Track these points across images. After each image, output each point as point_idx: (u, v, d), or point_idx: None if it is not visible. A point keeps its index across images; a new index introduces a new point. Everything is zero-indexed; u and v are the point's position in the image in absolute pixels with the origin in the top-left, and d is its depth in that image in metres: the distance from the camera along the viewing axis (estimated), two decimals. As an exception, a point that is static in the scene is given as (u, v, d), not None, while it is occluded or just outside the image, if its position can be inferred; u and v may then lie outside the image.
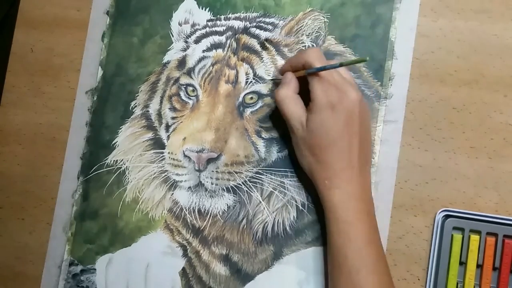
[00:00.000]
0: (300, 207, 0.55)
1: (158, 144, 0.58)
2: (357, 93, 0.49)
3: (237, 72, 0.57)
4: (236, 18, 0.59)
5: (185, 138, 0.57)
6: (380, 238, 0.49)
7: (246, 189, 0.56)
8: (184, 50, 0.59)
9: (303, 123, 0.50)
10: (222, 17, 0.59)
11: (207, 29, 0.59)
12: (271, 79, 0.57)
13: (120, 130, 0.59)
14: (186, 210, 0.57)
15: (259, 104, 0.56)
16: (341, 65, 0.48)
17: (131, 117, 0.59)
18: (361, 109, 0.49)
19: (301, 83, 0.51)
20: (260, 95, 0.56)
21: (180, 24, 0.60)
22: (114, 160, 0.59)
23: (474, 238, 0.52)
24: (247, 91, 0.57)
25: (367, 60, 0.46)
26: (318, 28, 0.57)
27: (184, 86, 0.58)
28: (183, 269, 0.56)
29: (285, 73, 0.53)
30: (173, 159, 0.57)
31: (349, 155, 0.49)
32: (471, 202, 0.53)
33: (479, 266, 0.52)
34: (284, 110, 0.51)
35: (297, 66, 0.52)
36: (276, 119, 0.56)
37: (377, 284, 0.46)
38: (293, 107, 0.51)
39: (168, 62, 0.59)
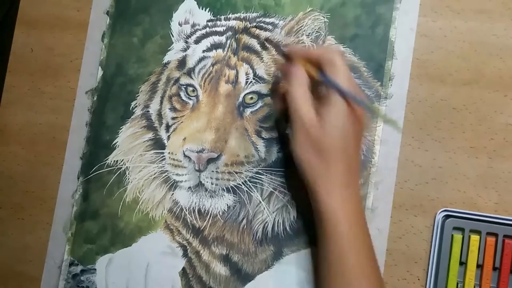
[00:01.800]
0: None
1: (158, 144, 0.58)
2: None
3: (237, 72, 0.57)
4: (236, 18, 0.59)
5: (185, 138, 0.57)
6: (374, 245, 0.49)
7: (246, 189, 0.56)
8: (184, 50, 0.59)
9: (314, 120, 0.47)
10: (222, 17, 0.59)
11: (207, 29, 0.59)
12: (277, 56, 0.56)
13: (120, 130, 0.59)
14: (186, 210, 0.57)
15: (259, 104, 0.56)
16: (370, 111, 0.48)
17: (131, 117, 0.59)
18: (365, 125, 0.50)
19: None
20: (260, 95, 0.57)
21: (180, 24, 0.60)
22: (114, 160, 0.59)
23: (474, 238, 0.52)
24: (247, 91, 0.57)
25: (398, 127, 0.47)
26: (318, 28, 0.57)
27: (184, 86, 0.58)
28: (183, 269, 0.56)
29: (297, 67, 0.49)
30: (173, 159, 0.57)
31: (352, 164, 0.48)
32: (471, 202, 0.53)
33: (479, 266, 0.52)
34: (294, 106, 0.48)
35: (311, 59, 0.49)
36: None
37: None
38: (304, 105, 0.48)
39: (168, 62, 0.59)
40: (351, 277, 0.46)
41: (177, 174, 0.57)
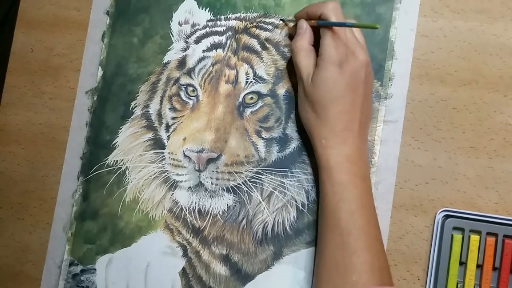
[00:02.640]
0: (300, 207, 0.55)
1: (158, 144, 0.58)
2: (365, 55, 0.49)
3: (237, 72, 0.57)
4: (236, 18, 0.59)
5: (185, 138, 0.57)
6: (374, 204, 0.50)
7: (246, 189, 0.56)
8: (184, 50, 0.59)
9: (310, 74, 0.50)
10: (222, 17, 0.59)
11: (207, 29, 0.59)
12: (281, 19, 0.57)
13: (120, 130, 0.59)
14: (186, 210, 0.57)
15: (259, 104, 0.56)
16: (354, 25, 0.48)
17: (131, 117, 0.59)
18: (367, 72, 0.50)
19: (316, 35, 0.52)
20: (260, 95, 0.56)
21: (180, 24, 0.60)
22: (114, 160, 0.59)
23: (474, 238, 0.52)
24: (247, 91, 0.57)
25: (378, 28, 0.47)
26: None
27: (184, 86, 0.58)
28: (183, 269, 0.56)
29: (300, 21, 0.53)
30: (173, 159, 0.57)
31: (349, 117, 0.49)
32: (471, 202, 0.53)
33: (479, 266, 0.52)
34: (296, 61, 0.51)
35: (312, 15, 0.52)
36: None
37: (368, 248, 0.46)
38: (306, 59, 0.50)
39: (168, 62, 0.59)
40: (345, 227, 0.47)
41: (177, 174, 0.57)
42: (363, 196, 0.48)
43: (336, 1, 0.51)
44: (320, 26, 0.50)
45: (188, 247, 0.56)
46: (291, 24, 0.56)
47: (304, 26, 0.52)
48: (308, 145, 0.55)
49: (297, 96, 0.53)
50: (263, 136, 0.56)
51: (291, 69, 0.55)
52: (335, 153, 0.48)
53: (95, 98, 0.60)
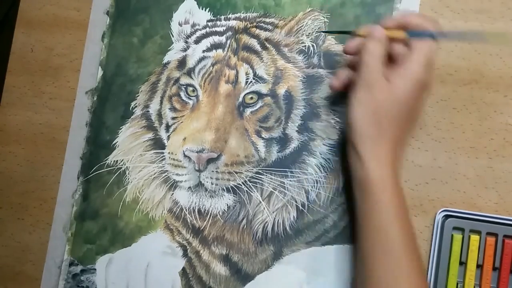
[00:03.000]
0: (300, 207, 0.55)
1: (158, 144, 0.58)
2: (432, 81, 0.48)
3: (237, 72, 0.57)
4: (236, 18, 0.59)
5: (185, 138, 0.57)
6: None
7: (246, 189, 0.56)
8: (184, 50, 0.59)
9: (383, 81, 0.46)
10: (222, 17, 0.59)
11: (207, 29, 0.59)
12: (339, 32, 0.55)
13: (120, 130, 0.59)
14: (186, 210, 0.57)
15: (259, 104, 0.56)
16: (460, 36, 0.46)
17: (131, 117, 0.59)
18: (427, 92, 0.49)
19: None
20: (260, 95, 0.56)
21: (180, 24, 0.60)
22: (114, 160, 0.59)
23: (474, 238, 0.52)
24: (247, 91, 0.57)
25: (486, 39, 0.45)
26: (318, 28, 0.57)
27: (184, 86, 0.58)
28: (183, 269, 0.56)
29: (375, 27, 0.48)
30: (173, 159, 0.57)
31: (405, 132, 0.48)
32: (471, 202, 0.53)
33: (479, 266, 0.52)
34: (368, 64, 0.46)
35: (399, 25, 0.48)
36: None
37: (416, 272, 0.45)
38: (379, 66, 0.46)
39: (168, 62, 0.59)
40: (392, 247, 0.45)
41: (177, 174, 0.57)
42: (408, 217, 0.47)
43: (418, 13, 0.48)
44: (412, 37, 0.46)
45: (188, 247, 0.56)
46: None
47: (381, 32, 0.47)
48: (308, 145, 0.55)
49: (356, 92, 0.47)
50: (263, 136, 0.56)
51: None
52: (378, 167, 0.46)
53: (95, 98, 0.60)
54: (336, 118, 0.55)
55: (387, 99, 0.46)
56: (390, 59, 0.48)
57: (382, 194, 0.45)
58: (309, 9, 0.57)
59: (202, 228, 0.56)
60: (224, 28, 0.58)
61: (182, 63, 0.59)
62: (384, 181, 0.46)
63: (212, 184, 0.56)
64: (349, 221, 0.54)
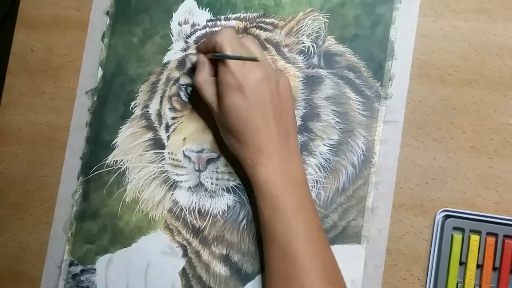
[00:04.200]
0: (300, 207, 0.55)
1: (158, 144, 0.58)
2: (261, 70, 0.49)
3: (237, 72, 0.57)
4: (236, 18, 0.59)
5: (185, 138, 0.57)
6: (316, 208, 0.51)
7: (246, 189, 0.56)
8: (184, 50, 0.59)
9: (216, 104, 0.51)
10: (222, 17, 0.59)
11: (207, 29, 0.59)
12: (185, 54, 0.58)
13: (120, 130, 0.59)
14: (186, 210, 0.57)
15: (259, 104, 0.56)
16: (237, 58, 0.49)
17: (131, 117, 0.59)
18: (269, 84, 0.50)
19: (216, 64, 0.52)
20: (260, 95, 0.56)
21: (180, 24, 0.60)
22: (114, 160, 0.59)
23: (474, 238, 0.52)
24: (247, 91, 0.57)
25: (258, 60, 0.49)
26: (318, 28, 0.57)
27: (184, 86, 0.58)
28: (183, 269, 0.56)
29: (198, 55, 0.55)
30: (173, 159, 0.57)
31: (266, 132, 0.49)
32: (471, 202, 0.53)
33: (479, 266, 0.52)
34: (202, 95, 0.52)
35: (210, 47, 0.52)
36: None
37: (308, 252, 0.47)
38: (209, 92, 0.52)
39: (168, 62, 0.59)
40: (282, 237, 0.47)
41: (177, 174, 0.57)
42: (297, 203, 0.48)
43: (228, 29, 0.51)
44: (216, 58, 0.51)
45: (188, 247, 0.56)
46: (194, 59, 0.57)
47: (202, 60, 0.53)
48: (308, 146, 0.55)
49: (218, 127, 0.54)
50: (263, 136, 0.56)
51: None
52: (262, 169, 0.49)
53: (95, 98, 0.60)
54: (336, 118, 0.55)
55: (226, 116, 0.50)
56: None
57: (267, 190, 0.49)
58: (309, 9, 0.57)
59: (202, 228, 0.56)
60: (224, 28, 0.58)
61: (182, 63, 0.59)
62: (268, 177, 0.49)
63: (212, 184, 0.56)
64: (349, 221, 0.54)
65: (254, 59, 0.49)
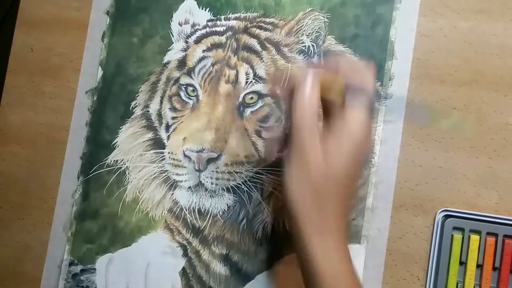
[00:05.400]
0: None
1: (158, 144, 0.58)
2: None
3: (237, 72, 0.57)
4: (236, 18, 0.59)
5: (185, 138, 0.57)
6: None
7: (246, 189, 0.56)
8: (184, 50, 0.59)
9: (320, 158, 0.39)
10: (222, 17, 0.59)
11: (207, 29, 0.59)
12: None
13: (120, 130, 0.59)
14: (186, 210, 0.57)
15: (259, 104, 0.56)
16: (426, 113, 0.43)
17: (131, 117, 0.59)
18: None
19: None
20: (260, 95, 0.56)
21: (180, 24, 0.60)
22: (114, 160, 0.59)
23: (474, 238, 0.52)
24: (247, 91, 0.57)
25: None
26: (318, 28, 0.57)
27: (184, 86, 0.58)
28: (183, 269, 0.56)
29: (308, 71, 0.40)
30: (173, 159, 0.57)
31: (346, 210, 0.42)
32: (471, 202, 0.53)
33: (479, 266, 0.52)
34: (302, 143, 0.40)
35: (335, 70, 0.42)
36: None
37: None
38: (313, 141, 0.39)
39: (168, 62, 0.59)
40: None
41: (177, 174, 0.57)
42: None
43: (369, 65, 0.42)
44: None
45: (188, 247, 0.56)
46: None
47: (313, 79, 0.40)
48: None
49: (289, 168, 0.41)
50: (263, 136, 0.56)
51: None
52: (337, 259, 0.40)
53: (95, 98, 0.60)
54: (336, 118, 0.55)
55: (324, 175, 0.39)
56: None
57: (332, 283, 0.39)
58: (309, 9, 0.57)
59: (202, 228, 0.56)
60: (224, 28, 0.58)
61: (182, 63, 0.59)
62: (335, 268, 0.39)
63: (212, 184, 0.56)
64: (349, 221, 0.54)
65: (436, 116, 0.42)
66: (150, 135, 0.59)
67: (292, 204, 0.41)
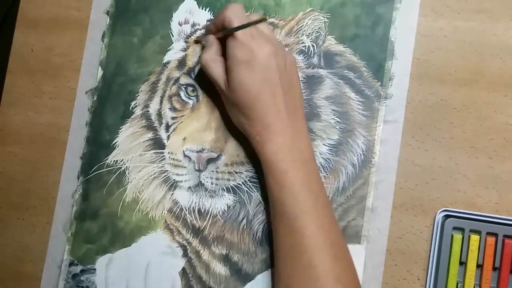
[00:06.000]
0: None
1: (158, 144, 0.58)
2: (270, 45, 0.49)
3: (237, 72, 0.57)
4: (236, 18, 0.59)
5: (185, 138, 0.57)
6: (323, 184, 0.50)
7: (246, 189, 0.56)
8: (184, 50, 0.59)
9: (226, 84, 0.51)
10: (222, 17, 0.59)
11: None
12: (194, 40, 0.58)
13: (120, 130, 0.59)
14: (186, 210, 0.57)
15: (259, 104, 0.56)
16: (245, 26, 0.49)
17: (131, 117, 0.59)
18: (277, 59, 0.49)
19: (225, 44, 0.52)
20: (260, 95, 0.56)
21: (180, 24, 0.60)
22: (114, 160, 0.59)
23: (474, 238, 0.52)
24: (247, 91, 0.57)
25: (266, 20, 0.49)
26: (318, 28, 0.57)
27: (184, 86, 0.58)
28: (183, 269, 0.56)
29: (207, 36, 0.55)
30: (173, 159, 0.57)
31: (274, 108, 0.49)
32: (471, 202, 0.53)
33: (479, 266, 0.52)
34: (208, 73, 0.52)
35: (218, 25, 0.52)
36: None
37: (315, 228, 0.47)
38: (215, 69, 0.52)
39: (168, 62, 0.59)
40: (291, 212, 0.47)
41: (177, 174, 0.57)
42: (306, 179, 0.48)
43: (235, 5, 0.51)
44: (225, 36, 0.51)
45: (188, 247, 0.56)
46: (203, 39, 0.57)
47: (210, 39, 0.53)
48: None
49: (225, 105, 0.53)
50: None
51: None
52: (271, 145, 0.49)
53: (95, 98, 0.60)
54: (336, 118, 0.55)
55: (235, 92, 0.50)
56: None
57: (275, 166, 0.49)
58: (309, 9, 0.57)
59: (202, 228, 0.56)
60: (224, 28, 0.58)
61: (182, 63, 0.59)
62: (276, 153, 0.49)
63: (212, 184, 0.56)
64: (349, 221, 0.54)
65: (263, 19, 0.49)
66: (150, 135, 0.59)
67: (235, 123, 0.53)
